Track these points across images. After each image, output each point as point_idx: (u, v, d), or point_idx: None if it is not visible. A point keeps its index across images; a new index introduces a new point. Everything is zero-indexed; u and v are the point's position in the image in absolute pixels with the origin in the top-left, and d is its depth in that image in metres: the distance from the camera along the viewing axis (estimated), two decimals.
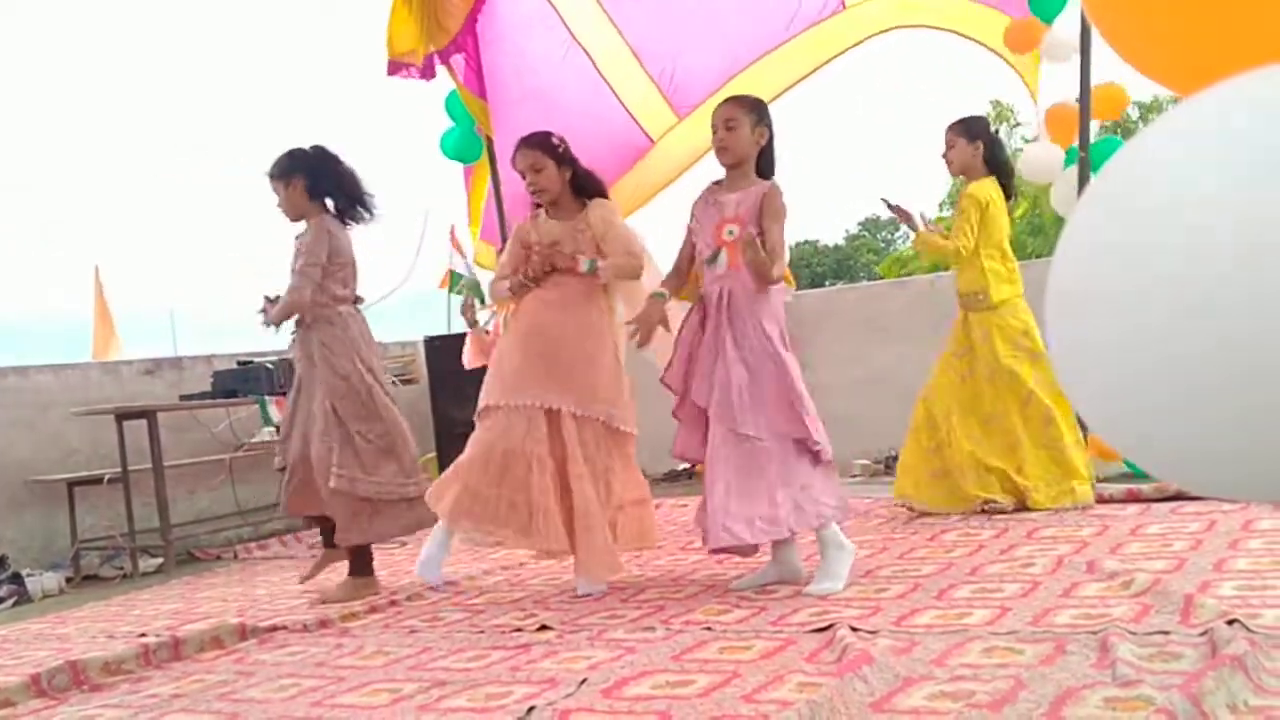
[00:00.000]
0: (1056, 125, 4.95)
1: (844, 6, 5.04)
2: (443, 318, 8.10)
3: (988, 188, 4.20)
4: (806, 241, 39.35)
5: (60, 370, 5.79)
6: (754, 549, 3.34)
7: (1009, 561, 3.22)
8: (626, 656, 2.56)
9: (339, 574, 4.06)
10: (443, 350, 6.97)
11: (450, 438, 6.50)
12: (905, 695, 2.04)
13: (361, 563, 4.01)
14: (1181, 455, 1.09)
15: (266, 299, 4.03)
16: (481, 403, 3.57)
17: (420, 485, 3.95)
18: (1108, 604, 2.54)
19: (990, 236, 4.18)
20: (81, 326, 10.27)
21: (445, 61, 5.38)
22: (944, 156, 4.34)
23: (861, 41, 5.15)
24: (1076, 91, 4.79)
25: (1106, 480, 4.28)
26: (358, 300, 4.12)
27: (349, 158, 4.08)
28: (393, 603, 3.73)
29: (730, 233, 3.31)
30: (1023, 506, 4.06)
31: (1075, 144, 4.82)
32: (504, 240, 5.73)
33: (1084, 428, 4.19)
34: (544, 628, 3.01)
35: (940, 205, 27.92)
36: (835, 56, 5.17)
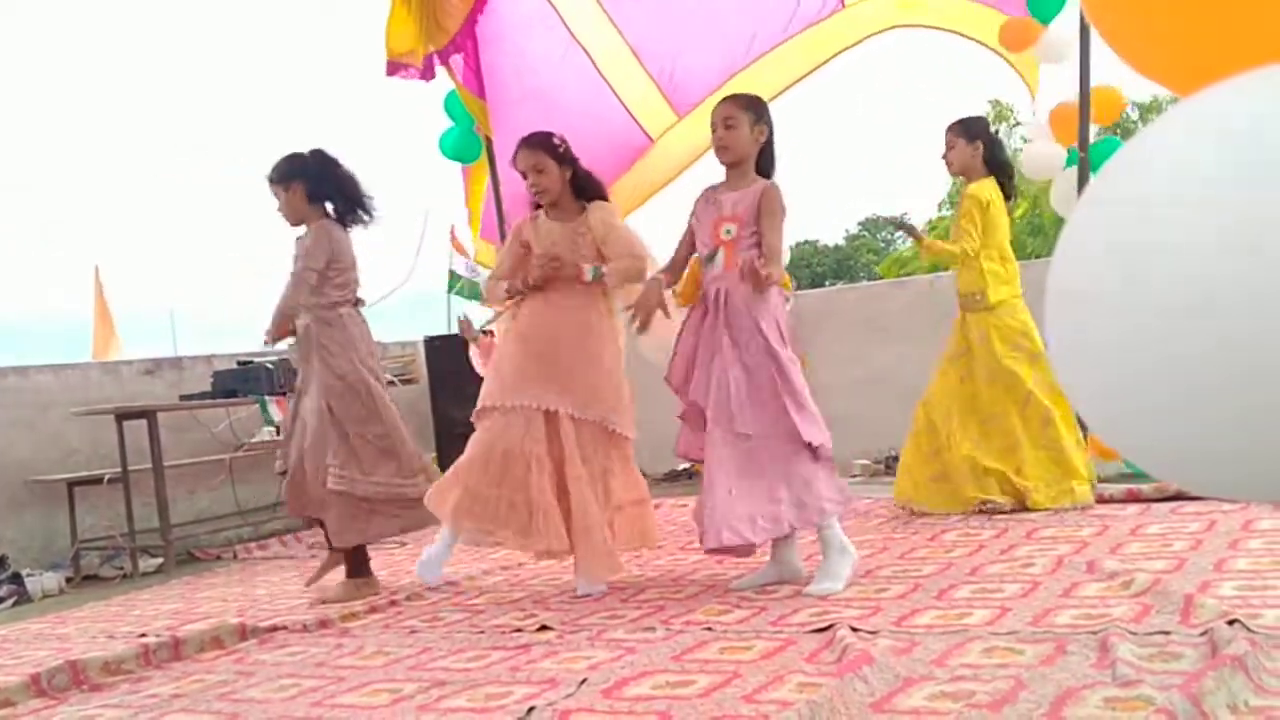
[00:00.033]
0: (1060, 125, 4.95)
1: (843, 6, 5.04)
2: (443, 318, 8.10)
3: (988, 188, 4.20)
4: (806, 241, 39.35)
5: (60, 370, 5.79)
6: (751, 549, 3.34)
7: (1009, 561, 3.22)
8: (627, 657, 2.56)
9: (340, 575, 4.06)
10: (443, 350, 6.97)
11: (450, 438, 6.50)
12: (905, 695, 2.04)
13: (359, 563, 4.01)
14: (1181, 455, 1.09)
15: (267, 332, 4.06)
16: (480, 404, 3.57)
17: (419, 486, 3.95)
18: (1108, 604, 2.54)
19: (990, 237, 4.18)
20: (81, 326, 10.28)
21: (444, 62, 5.38)
22: (944, 157, 4.34)
23: (860, 41, 5.15)
24: (1075, 92, 4.79)
25: (1106, 481, 4.28)
26: (359, 303, 4.12)
27: (349, 159, 4.09)
28: (393, 603, 3.73)
29: (728, 231, 3.31)
30: (1022, 507, 4.06)
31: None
32: (501, 232, 5.74)
33: (1084, 428, 4.19)
34: (544, 628, 3.01)
35: (940, 205, 27.92)
36: (834, 56, 5.17)
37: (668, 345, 3.68)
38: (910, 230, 4.43)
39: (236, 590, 4.52)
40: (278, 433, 5.82)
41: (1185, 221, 1.01)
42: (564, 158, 3.56)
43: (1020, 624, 2.45)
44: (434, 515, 3.84)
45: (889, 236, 41.92)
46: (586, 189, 3.63)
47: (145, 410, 5.39)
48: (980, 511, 4.09)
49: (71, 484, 5.39)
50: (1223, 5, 1.23)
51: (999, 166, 4.29)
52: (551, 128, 3.67)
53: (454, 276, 7.87)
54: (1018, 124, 22.65)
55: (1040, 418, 4.12)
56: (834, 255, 40.39)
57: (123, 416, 5.35)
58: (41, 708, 2.79)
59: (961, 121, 4.32)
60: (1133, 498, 4.02)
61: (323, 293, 3.95)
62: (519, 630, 3.03)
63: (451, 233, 7.70)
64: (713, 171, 3.48)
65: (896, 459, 5.82)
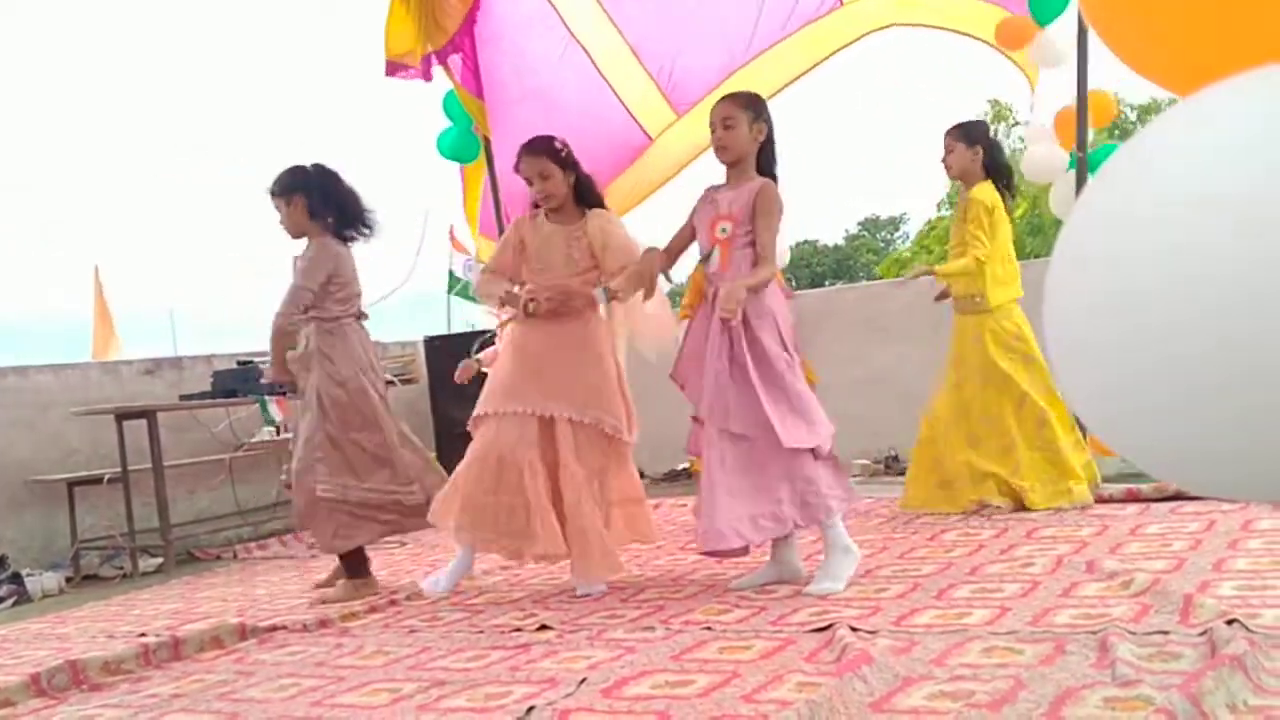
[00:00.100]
0: (1064, 128, 4.95)
1: (841, 3, 5.04)
2: (442, 318, 8.11)
3: (990, 191, 4.21)
4: (806, 241, 39.37)
5: (60, 370, 5.79)
6: (747, 549, 3.34)
7: (1009, 561, 3.22)
8: (626, 656, 2.56)
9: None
10: (443, 350, 6.97)
11: (450, 438, 6.50)
12: (905, 695, 2.04)
13: (358, 564, 4.01)
14: (1181, 455, 1.09)
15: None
16: (476, 412, 3.58)
17: (415, 494, 3.96)
18: (1107, 604, 2.54)
19: (993, 241, 4.19)
20: (81, 326, 10.28)
21: (442, 62, 5.38)
22: (943, 161, 4.34)
23: (859, 38, 5.15)
24: (1074, 93, 4.79)
25: (1109, 480, 4.27)
26: (362, 316, 4.13)
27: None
28: (392, 603, 3.73)
29: (723, 230, 3.31)
30: (1021, 507, 4.07)
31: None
32: (500, 232, 5.74)
33: (1083, 428, 4.19)
34: (544, 627, 3.01)
35: (939, 205, 27.94)
36: (833, 54, 5.17)
37: (664, 342, 3.69)
38: (923, 273, 4.41)
39: (236, 590, 4.52)
40: (278, 433, 5.83)
41: (1184, 222, 1.01)
42: (567, 162, 3.57)
43: (1020, 624, 2.46)
44: (425, 521, 3.89)
45: (889, 236, 41.92)
46: (587, 195, 3.63)
47: (145, 410, 5.39)
48: (979, 513, 4.09)
49: (71, 484, 5.39)
50: (1222, 5, 1.23)
51: (999, 171, 4.29)
52: (551, 127, 3.68)
53: (454, 277, 7.88)
54: (1017, 124, 22.68)
55: (1035, 419, 4.13)
56: (834, 255, 40.42)
57: (123, 416, 5.35)
58: (41, 707, 2.79)
59: (961, 126, 4.32)
60: (1132, 497, 4.02)
61: (324, 307, 3.96)
62: (518, 630, 3.03)
63: (451, 232, 7.71)
64: (712, 169, 3.48)
65: (896, 459, 5.85)
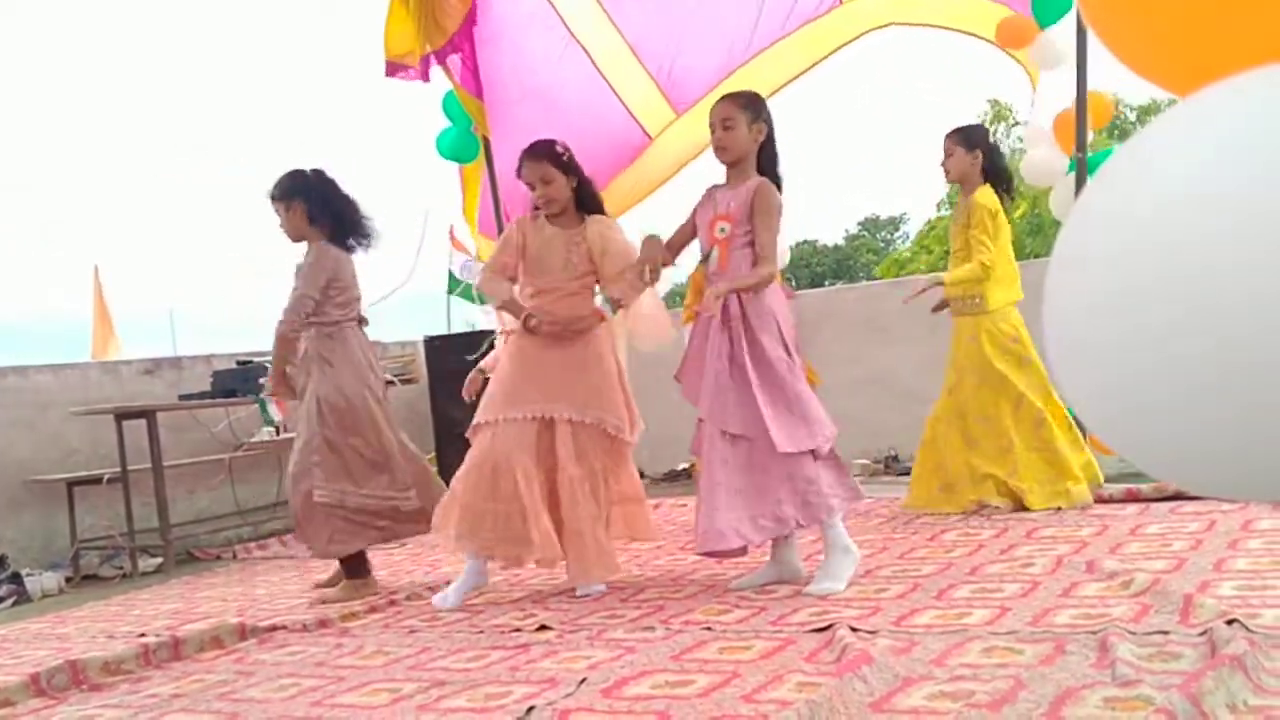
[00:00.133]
0: (1064, 132, 4.95)
1: (840, 2, 5.04)
2: (442, 318, 8.12)
3: (992, 195, 4.21)
4: (806, 241, 39.37)
5: (60, 370, 5.79)
6: (745, 549, 3.34)
7: (1008, 561, 3.22)
8: (626, 656, 2.56)
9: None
10: (443, 350, 6.98)
11: (450, 438, 6.50)
12: (905, 695, 2.04)
13: (358, 565, 4.02)
14: (1181, 455, 1.09)
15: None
16: (476, 420, 3.58)
17: (412, 500, 3.96)
18: (1107, 604, 2.54)
19: (997, 241, 4.19)
20: (81, 326, 10.29)
21: (441, 62, 5.38)
22: (942, 164, 4.34)
23: (858, 37, 5.14)
24: (1073, 95, 4.79)
25: (1112, 480, 4.27)
26: (362, 321, 4.13)
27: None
28: (392, 603, 3.73)
29: (722, 230, 3.31)
30: (1020, 507, 4.07)
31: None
32: (500, 231, 5.73)
33: (1083, 429, 4.20)
34: (543, 627, 3.01)
35: (938, 205, 27.94)
36: (832, 52, 5.17)
37: (662, 341, 3.69)
38: (932, 286, 4.39)
39: (236, 590, 4.52)
40: (277, 433, 5.83)
41: (1184, 222, 1.01)
42: (569, 167, 3.57)
43: (1020, 624, 2.45)
44: (421, 528, 3.93)
45: (889, 236, 41.92)
46: (588, 201, 3.64)
47: (145, 410, 5.39)
48: (979, 513, 4.09)
49: (71, 484, 5.39)
50: (1221, 6, 1.23)
51: (998, 175, 4.29)
52: (550, 126, 3.68)
53: (454, 279, 7.88)
54: (1017, 124, 22.68)
55: (1032, 419, 4.13)
56: (833, 255, 40.42)
57: (122, 416, 5.35)
58: (41, 707, 2.79)
59: (961, 130, 4.32)
60: (1132, 497, 4.02)
61: (324, 312, 3.96)
62: (518, 630, 3.03)
63: (451, 232, 7.71)
64: (712, 168, 3.48)
65: (896, 459, 5.85)
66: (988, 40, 5.12)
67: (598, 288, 3.61)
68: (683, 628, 2.82)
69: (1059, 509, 4.00)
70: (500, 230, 5.74)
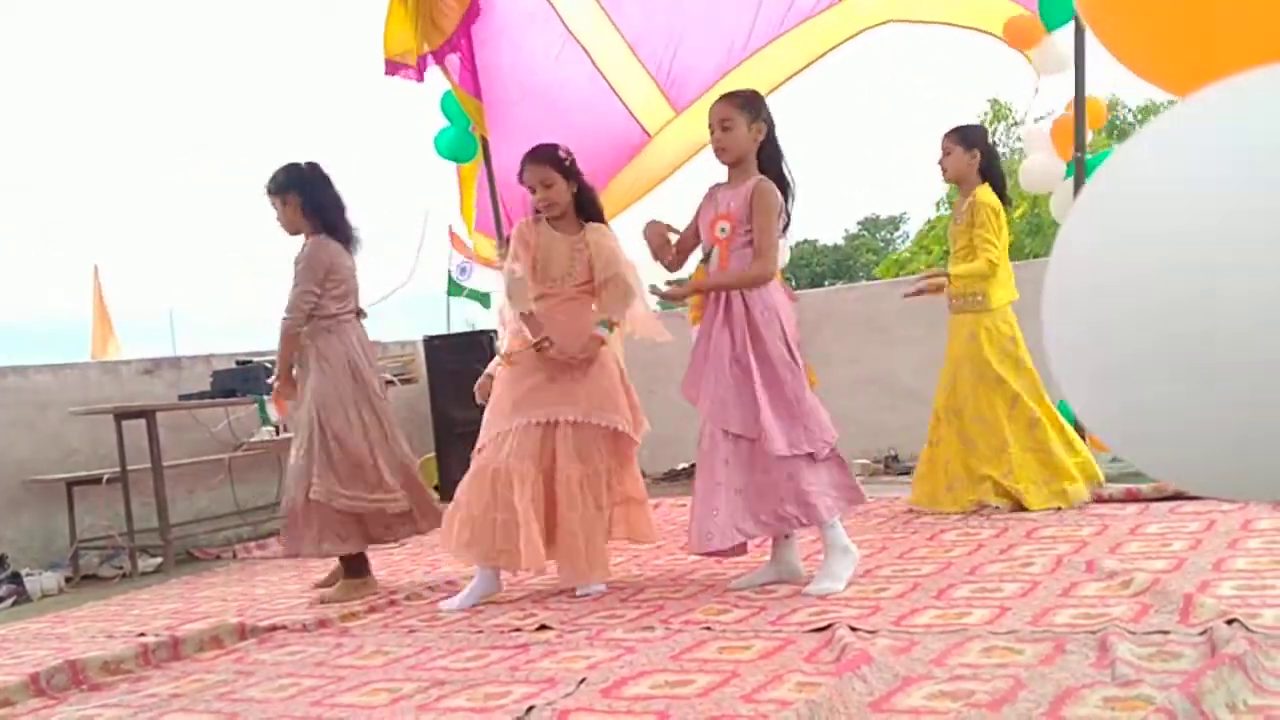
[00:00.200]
0: (1062, 138, 4.96)
1: (839, 0, 5.04)
2: (442, 318, 8.13)
3: (993, 194, 4.21)
4: (806, 241, 39.35)
5: (59, 370, 5.79)
6: (744, 548, 3.34)
7: (1008, 561, 3.22)
8: (625, 656, 2.56)
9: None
10: (443, 350, 6.98)
11: (450, 438, 6.50)
12: (904, 695, 2.04)
13: (356, 564, 4.02)
14: (1179, 454, 1.09)
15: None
16: (481, 440, 3.57)
17: (399, 502, 3.96)
18: (1107, 603, 2.54)
19: (999, 240, 4.19)
20: (81, 326, 10.30)
21: (440, 62, 5.38)
22: (940, 163, 4.34)
23: (856, 35, 5.15)
24: (1072, 95, 4.80)
25: (1110, 481, 4.27)
26: (360, 314, 4.13)
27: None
28: (392, 603, 3.73)
29: (722, 229, 3.31)
30: (1019, 507, 4.07)
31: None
32: (499, 232, 5.74)
33: (1081, 430, 4.20)
34: (543, 627, 3.01)
35: (937, 205, 27.94)
36: (830, 50, 5.17)
37: (654, 331, 3.70)
38: (936, 279, 4.38)
39: (236, 590, 4.52)
40: (276, 432, 5.83)
41: (1184, 221, 1.01)
42: (570, 171, 3.57)
43: (1019, 623, 2.45)
44: (409, 530, 4.00)
45: (888, 236, 41.91)
46: (588, 207, 3.64)
47: (144, 410, 5.39)
48: (978, 513, 4.09)
49: (70, 484, 5.39)
50: (1219, 6, 1.23)
51: (995, 176, 4.29)
52: (549, 125, 3.68)
53: (453, 281, 7.90)
54: (1016, 124, 22.68)
55: (1027, 420, 4.13)
56: (833, 255, 40.40)
57: (122, 416, 5.35)
58: (40, 707, 2.79)
59: (960, 129, 4.32)
60: (1132, 497, 4.02)
61: (321, 304, 3.96)
62: (518, 630, 3.03)
63: (451, 232, 7.72)
64: (712, 166, 3.47)
65: (896, 459, 5.86)
66: (989, 34, 5.10)
67: (594, 306, 3.61)
68: (682, 627, 2.82)
69: (1058, 509, 4.00)
70: (499, 229, 5.75)
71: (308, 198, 4.01)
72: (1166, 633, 2.21)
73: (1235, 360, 0.98)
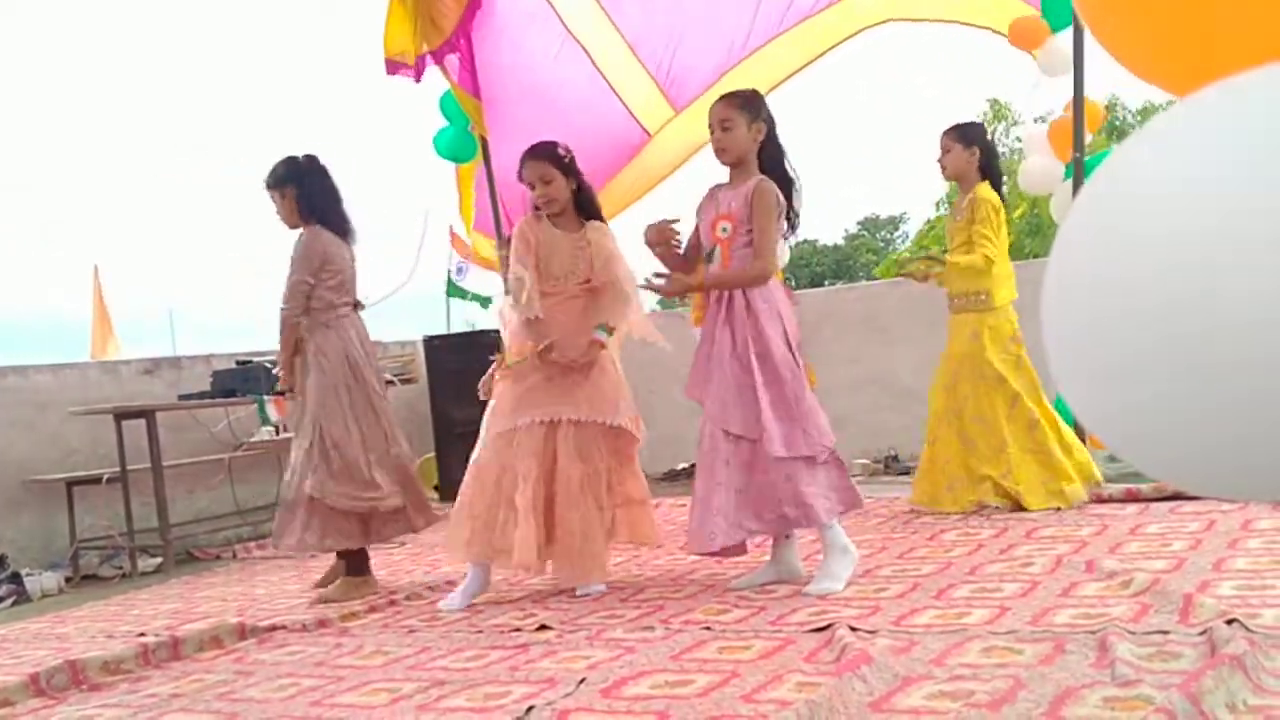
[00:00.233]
0: (1059, 139, 4.96)
1: None
2: (442, 317, 8.13)
3: (993, 192, 4.21)
4: (806, 241, 39.33)
5: (59, 370, 5.79)
6: (744, 548, 3.34)
7: (1008, 561, 3.22)
8: (625, 656, 2.56)
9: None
10: (443, 350, 6.98)
11: (450, 438, 6.50)
12: (904, 695, 2.04)
13: (358, 562, 4.02)
14: (1179, 454, 1.09)
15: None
16: (484, 434, 3.57)
17: (391, 500, 3.96)
18: (1107, 603, 2.54)
19: (999, 239, 4.19)
20: (80, 326, 10.30)
21: (439, 61, 5.38)
22: (939, 161, 4.34)
23: (856, 34, 5.14)
24: (1070, 97, 4.80)
25: (1110, 481, 4.27)
26: (358, 305, 4.14)
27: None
28: (391, 602, 3.73)
29: (723, 229, 3.31)
30: (1019, 507, 4.07)
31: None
32: (499, 233, 5.73)
33: (1081, 432, 4.21)
34: (543, 627, 3.01)
35: (937, 204, 27.94)
36: (830, 49, 5.17)
37: (646, 332, 3.70)
38: (934, 261, 4.36)
39: (235, 590, 4.52)
40: (276, 432, 5.83)
41: (1183, 221, 1.01)
42: (569, 169, 3.57)
43: (1019, 623, 2.45)
44: (402, 529, 4.01)
45: (888, 236, 41.91)
46: (587, 205, 3.64)
47: (144, 410, 5.39)
48: (978, 513, 4.09)
49: (70, 483, 5.39)
50: (1219, 6, 1.23)
51: (993, 175, 4.29)
52: (549, 124, 3.68)
53: (451, 283, 7.90)
54: (1016, 124, 22.69)
55: (1026, 420, 4.13)
56: (833, 255, 40.40)
57: (121, 416, 5.35)
58: (40, 707, 2.79)
59: (958, 127, 4.32)
60: (1131, 497, 4.02)
61: (318, 294, 3.97)
62: (518, 630, 3.03)
63: (451, 232, 7.72)
64: (711, 165, 3.47)
65: (896, 458, 5.85)
66: (987, 29, 5.09)
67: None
68: (682, 627, 2.82)
69: (1058, 509, 4.00)
70: (498, 229, 5.75)
71: (302, 190, 4.01)
72: (1166, 633, 2.21)
73: (1235, 360, 0.98)
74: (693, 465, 3.62)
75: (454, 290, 7.87)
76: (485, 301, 7.75)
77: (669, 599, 3.24)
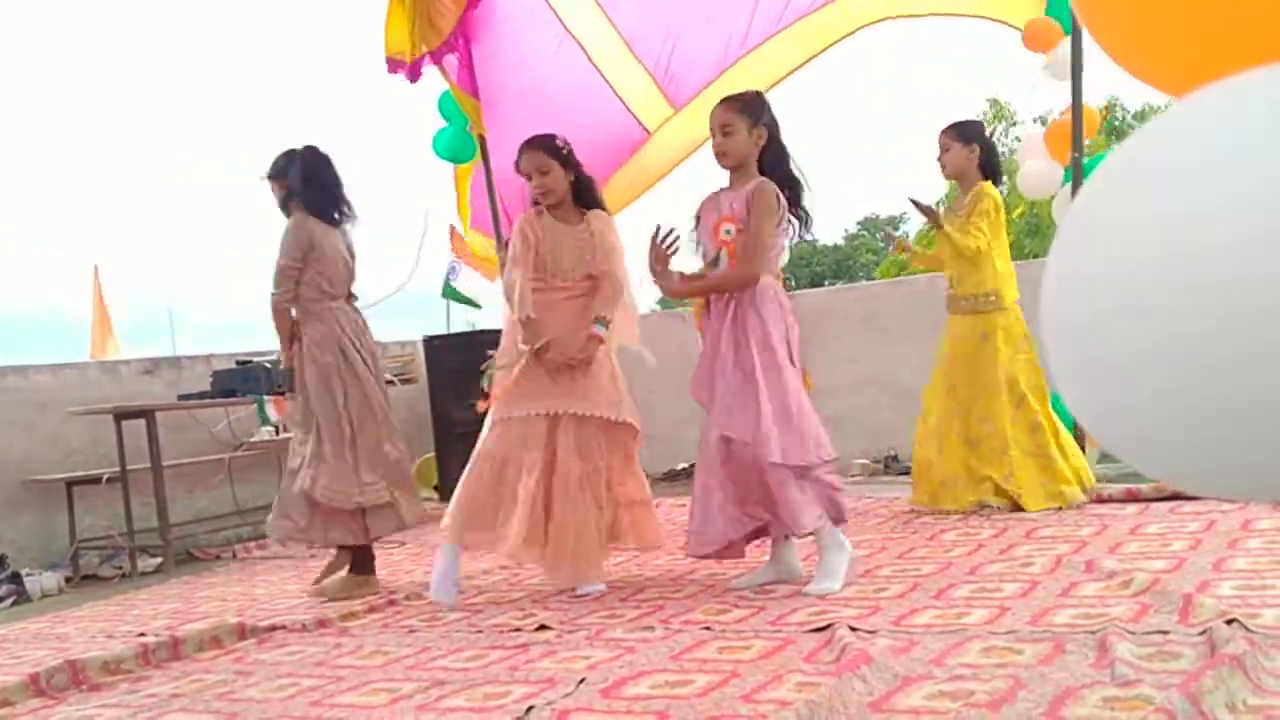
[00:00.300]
0: (1057, 142, 4.96)
1: None
2: (442, 318, 8.12)
3: (996, 190, 4.21)
4: (805, 241, 39.31)
5: (59, 370, 5.79)
6: (742, 550, 3.34)
7: (1008, 561, 3.22)
8: (625, 656, 2.56)
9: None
10: (442, 350, 6.98)
11: (449, 438, 6.50)
12: (904, 695, 2.04)
13: (362, 561, 4.03)
14: (1178, 454, 1.09)
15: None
16: (489, 419, 3.57)
17: (379, 494, 3.96)
18: (1106, 603, 2.54)
19: (999, 238, 4.20)
20: (80, 326, 10.30)
21: (437, 61, 5.38)
22: (938, 160, 4.33)
23: (854, 32, 5.14)
24: (1070, 96, 4.80)
25: (1110, 481, 4.27)
26: (351, 298, 4.14)
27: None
28: (391, 602, 3.73)
29: (727, 232, 3.31)
30: (1018, 508, 4.07)
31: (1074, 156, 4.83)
32: (496, 230, 5.73)
33: (1080, 435, 4.21)
34: (543, 627, 3.01)
35: (937, 203, 27.95)
36: (829, 47, 5.17)
37: (627, 335, 3.71)
38: (930, 212, 4.27)
39: (235, 590, 4.52)
40: (276, 432, 5.83)
41: (1182, 222, 1.01)
42: (567, 160, 3.57)
43: (1019, 623, 2.45)
44: (393, 524, 4.02)
45: (890, 233, 41.92)
46: (586, 196, 3.63)
47: (144, 410, 5.39)
48: (978, 513, 4.09)
49: (70, 483, 5.39)
50: (1218, 7, 1.23)
51: (992, 172, 4.29)
52: (547, 123, 3.67)
53: (449, 285, 7.90)
54: (1016, 123, 22.67)
55: (1029, 423, 4.13)
56: (833, 255, 40.39)
57: (121, 416, 5.35)
58: (40, 707, 2.79)
59: (957, 125, 4.32)
60: (1131, 497, 4.02)
61: (308, 281, 3.98)
62: (517, 630, 3.03)
63: (451, 231, 7.72)
64: (711, 164, 3.47)
65: (896, 458, 5.85)
66: (985, 16, 5.07)
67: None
68: (682, 627, 2.82)
69: (1058, 509, 4.00)
70: (497, 230, 5.75)
71: (291, 181, 4.03)
72: (1166, 633, 2.21)
73: (1235, 359, 0.98)
74: (693, 465, 3.62)
75: (448, 291, 7.87)
76: (472, 304, 7.75)
77: (669, 599, 3.24)
